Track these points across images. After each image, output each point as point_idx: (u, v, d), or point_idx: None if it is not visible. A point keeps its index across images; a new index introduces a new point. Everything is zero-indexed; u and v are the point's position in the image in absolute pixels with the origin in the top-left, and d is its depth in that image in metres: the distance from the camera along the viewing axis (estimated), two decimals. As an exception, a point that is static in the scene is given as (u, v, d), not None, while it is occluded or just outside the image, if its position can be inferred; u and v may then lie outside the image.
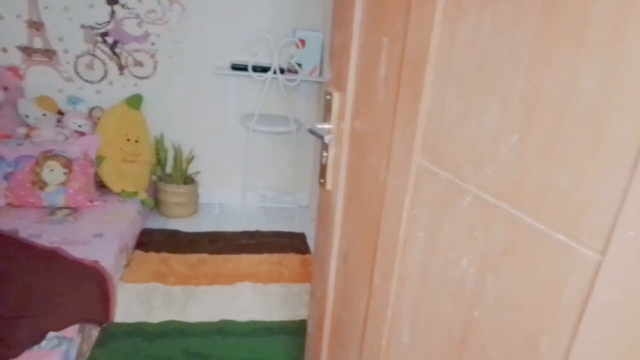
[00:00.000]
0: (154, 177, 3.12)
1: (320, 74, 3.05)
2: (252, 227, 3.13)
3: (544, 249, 0.49)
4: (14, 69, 2.80)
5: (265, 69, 2.82)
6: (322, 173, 1.00)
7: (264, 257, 2.76)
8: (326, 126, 0.95)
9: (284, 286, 2.48)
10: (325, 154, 0.98)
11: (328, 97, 0.93)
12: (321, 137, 0.91)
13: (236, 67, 2.88)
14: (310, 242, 3.02)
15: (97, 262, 2.03)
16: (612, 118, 0.40)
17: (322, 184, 1.01)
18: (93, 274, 1.96)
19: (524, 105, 0.50)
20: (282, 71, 2.85)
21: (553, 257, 0.48)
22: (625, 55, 0.39)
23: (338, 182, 0.97)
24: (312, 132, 0.93)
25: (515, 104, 0.51)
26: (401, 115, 0.72)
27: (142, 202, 2.87)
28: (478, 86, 0.57)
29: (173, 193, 3.08)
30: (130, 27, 2.85)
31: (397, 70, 0.74)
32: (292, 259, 2.77)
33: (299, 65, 2.93)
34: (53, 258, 2.00)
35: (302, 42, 2.88)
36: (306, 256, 2.82)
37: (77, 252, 2.09)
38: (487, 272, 0.58)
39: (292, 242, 2.98)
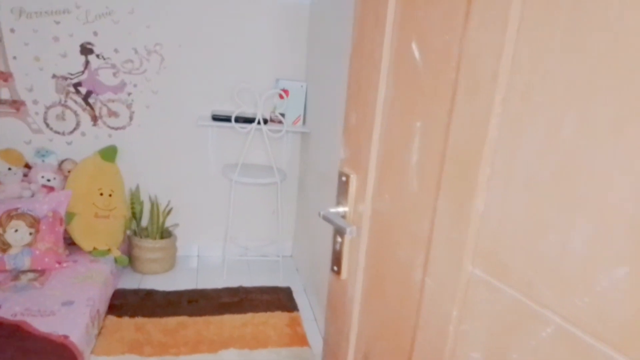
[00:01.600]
0: (128, 232, 2.93)
1: (304, 123, 2.97)
2: (234, 282, 2.95)
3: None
4: (-23, 121, 2.62)
5: (248, 120, 2.73)
6: (336, 260, 0.88)
7: (249, 317, 2.58)
8: (341, 209, 0.84)
9: (272, 351, 2.30)
10: (339, 239, 0.86)
11: (344, 178, 0.83)
12: (341, 229, 0.80)
13: (217, 118, 2.77)
14: (297, 297, 2.87)
15: (66, 337, 1.84)
16: None
17: (336, 273, 0.89)
18: (62, 352, 1.76)
19: (637, 234, 0.40)
20: (265, 121, 2.77)
21: None
22: None
23: (356, 271, 0.85)
24: (327, 220, 0.82)
25: (621, 229, 0.42)
26: (445, 214, 0.62)
27: (116, 260, 2.68)
28: (559, 196, 0.47)
29: (149, 248, 2.89)
30: (106, 77, 2.73)
31: (437, 160, 0.64)
32: (279, 319, 2.60)
33: (282, 115, 2.85)
34: (16, 334, 1.79)
35: (286, 92, 2.81)
36: (293, 314, 2.66)
37: (44, 324, 1.89)
38: None
39: (277, 299, 2.81)
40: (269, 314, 2.64)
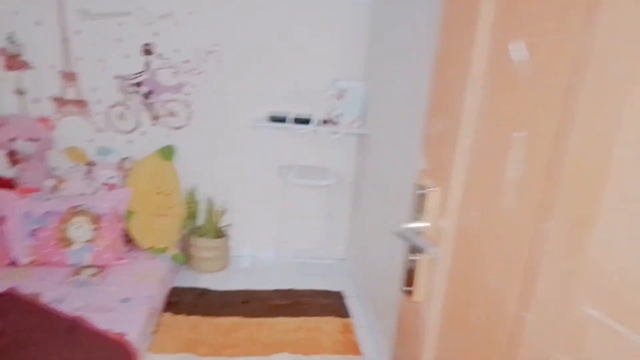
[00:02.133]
0: (184, 231, 2.96)
1: (362, 124, 2.89)
2: (286, 285, 2.92)
3: None
4: (45, 120, 2.72)
5: (304, 121, 2.68)
6: (409, 279, 0.80)
7: (301, 321, 2.54)
8: (418, 225, 0.76)
9: (324, 358, 2.24)
10: (414, 256, 0.78)
11: (422, 191, 0.75)
12: (419, 249, 0.72)
13: (274, 119, 2.74)
14: (350, 302, 2.80)
15: (123, 334, 1.85)
16: None
17: (408, 293, 0.81)
18: (118, 349, 1.78)
19: None
20: (322, 122, 2.71)
21: None
22: None
23: (433, 294, 0.77)
24: (403, 237, 0.74)
25: None
26: (555, 240, 0.53)
27: (173, 258, 2.71)
28: None
29: (204, 247, 2.91)
30: (165, 77, 2.76)
31: (542, 175, 0.55)
32: (331, 324, 2.54)
33: (340, 116, 2.78)
34: (75, 330, 1.83)
35: (344, 92, 2.74)
36: (346, 320, 2.59)
37: (102, 320, 1.92)
38: None
39: (330, 303, 2.76)
40: (321, 318, 2.58)
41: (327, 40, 2.82)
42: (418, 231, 0.77)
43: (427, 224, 0.75)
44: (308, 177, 2.79)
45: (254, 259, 3.24)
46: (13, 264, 2.29)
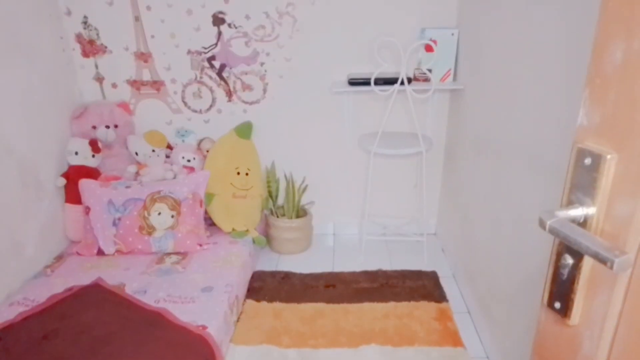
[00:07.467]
0: (265, 212, 2.84)
1: (455, 79, 2.54)
2: (372, 265, 2.70)
3: None
4: (124, 105, 2.69)
5: (388, 81, 2.38)
6: (561, 293, 0.54)
7: (390, 306, 2.32)
8: (578, 212, 0.50)
9: (419, 351, 2.01)
10: (570, 260, 0.52)
11: (588, 160, 0.48)
12: (598, 256, 0.45)
13: (354, 82, 2.48)
14: (445, 284, 2.53)
15: (204, 327, 1.76)
16: None
17: (559, 312, 0.55)
18: (199, 344, 1.67)
19: None
20: (409, 81, 2.40)
21: None
22: None
23: (604, 320, 0.50)
24: (563, 237, 0.47)
25: None
26: None
27: (254, 240, 2.60)
28: None
29: (285, 228, 2.77)
30: (238, 47, 2.60)
31: None
32: (424, 310, 2.29)
33: (430, 71, 2.45)
34: (156, 323, 1.76)
35: (434, 42, 2.40)
36: (442, 305, 2.33)
37: (184, 312, 1.85)
38: None
39: (422, 285, 2.50)
40: (413, 303, 2.35)
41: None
42: (580, 220, 0.50)
43: (595, 210, 0.48)
44: (394, 145, 2.51)
45: (337, 237, 3.06)
46: (101, 253, 2.29)
